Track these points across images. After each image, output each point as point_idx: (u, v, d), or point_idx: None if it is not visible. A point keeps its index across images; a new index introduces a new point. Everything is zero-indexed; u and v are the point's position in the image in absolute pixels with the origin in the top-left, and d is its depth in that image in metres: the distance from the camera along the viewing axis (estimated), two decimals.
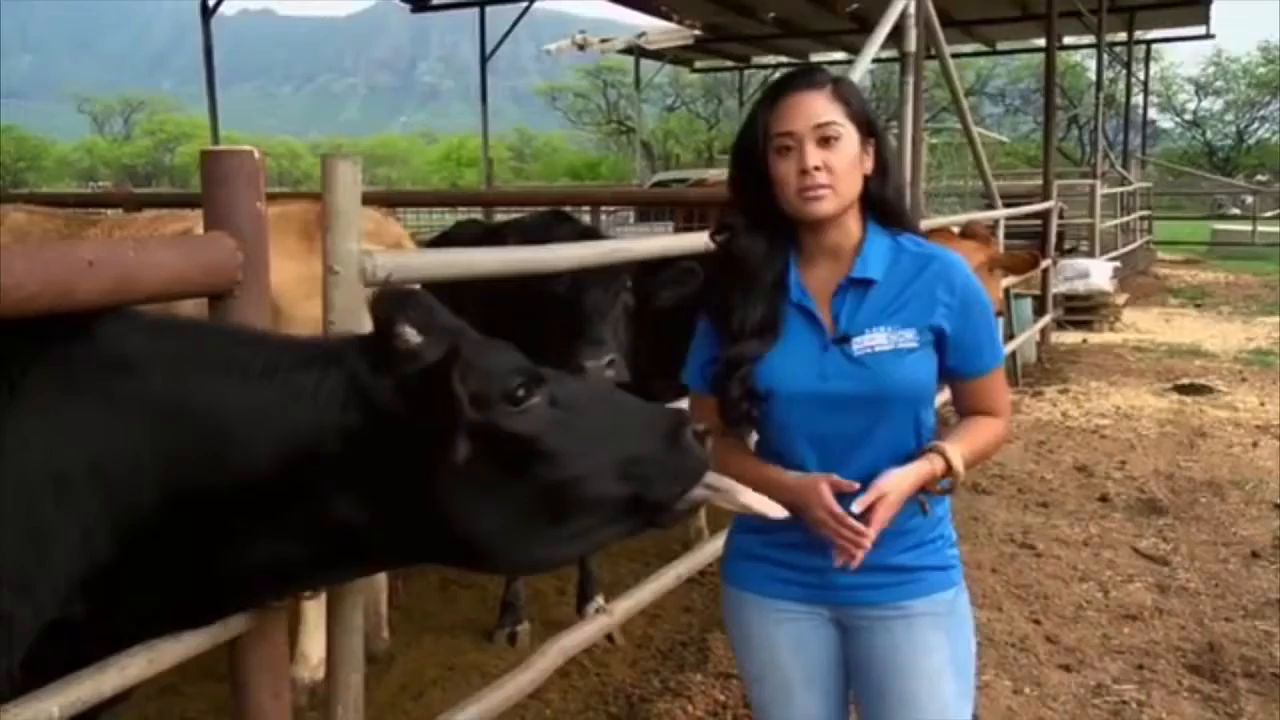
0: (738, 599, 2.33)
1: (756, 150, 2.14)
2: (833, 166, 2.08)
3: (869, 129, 2.15)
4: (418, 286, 1.95)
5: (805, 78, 2.16)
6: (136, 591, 1.73)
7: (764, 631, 2.28)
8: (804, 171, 2.07)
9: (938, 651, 2.18)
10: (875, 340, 2.11)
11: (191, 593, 1.79)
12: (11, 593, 1.58)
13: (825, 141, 2.08)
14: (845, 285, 2.16)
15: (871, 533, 2.03)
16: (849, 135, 2.10)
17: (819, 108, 2.09)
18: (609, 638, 4.27)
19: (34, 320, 1.61)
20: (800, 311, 2.17)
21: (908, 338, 2.12)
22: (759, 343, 2.15)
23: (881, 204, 2.19)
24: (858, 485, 2.06)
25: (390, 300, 1.80)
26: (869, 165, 2.15)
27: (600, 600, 4.34)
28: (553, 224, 4.55)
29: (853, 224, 2.18)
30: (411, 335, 1.73)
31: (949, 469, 2.11)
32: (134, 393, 1.67)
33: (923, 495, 2.14)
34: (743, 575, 2.32)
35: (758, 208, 2.18)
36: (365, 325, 1.96)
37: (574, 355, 3.69)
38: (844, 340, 2.13)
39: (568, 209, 6.72)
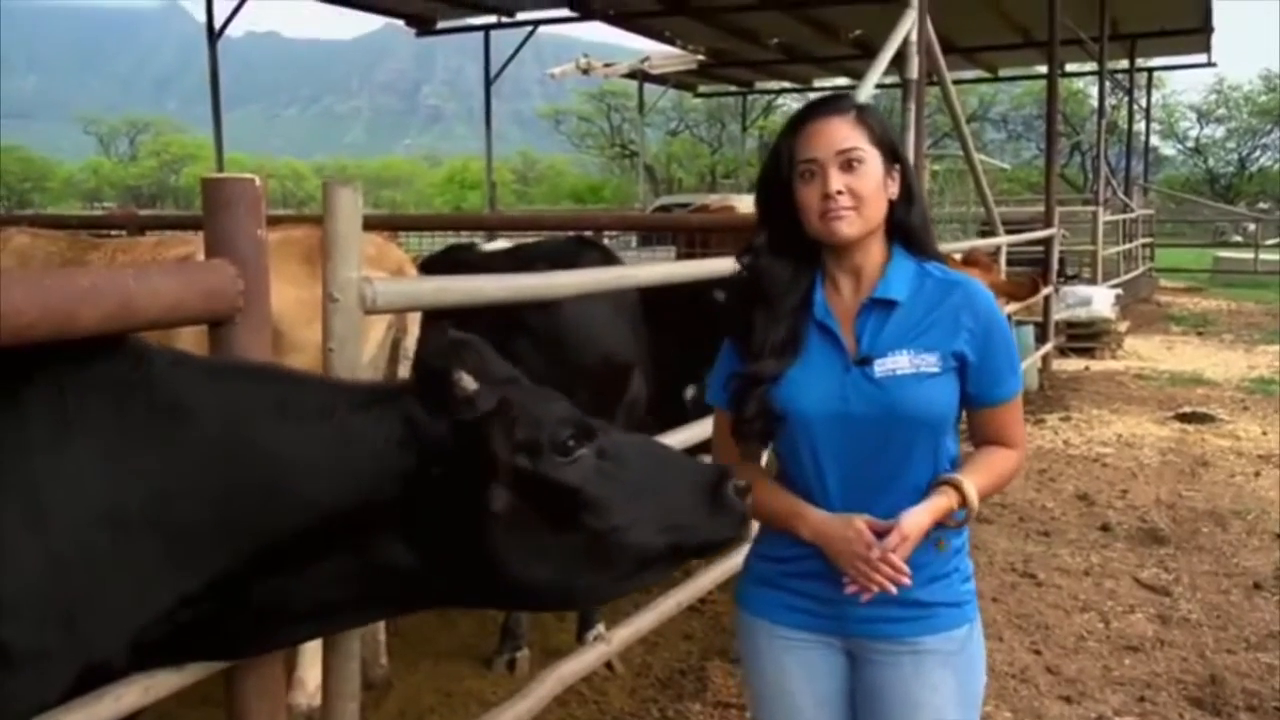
0: (751, 624, 2.32)
1: (781, 177, 2.17)
2: (856, 190, 2.10)
3: (893, 155, 2.17)
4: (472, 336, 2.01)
5: (829, 104, 2.19)
6: (184, 635, 1.74)
7: (775, 657, 2.28)
8: (826, 196, 2.09)
9: (942, 690, 2.17)
10: (898, 363, 2.12)
11: (238, 634, 1.81)
12: (57, 630, 1.58)
13: (848, 166, 2.10)
14: (869, 306, 2.17)
15: (907, 571, 2.03)
16: (872, 160, 2.12)
17: (842, 133, 2.11)
18: (608, 665, 4.24)
19: (86, 347, 1.65)
20: (823, 332, 2.18)
21: (930, 362, 2.12)
22: (777, 362, 2.16)
23: (907, 230, 2.21)
24: (894, 525, 2.04)
25: (449, 347, 1.87)
26: (894, 190, 2.17)
27: (601, 628, 4.32)
28: (579, 250, 4.53)
29: (877, 249, 2.19)
30: (468, 382, 1.77)
31: (964, 501, 2.10)
32: (193, 439, 1.69)
33: (938, 531, 2.12)
34: (757, 601, 2.31)
35: (783, 233, 2.20)
36: (364, 352, 1.97)
37: None
38: (865, 362, 2.13)
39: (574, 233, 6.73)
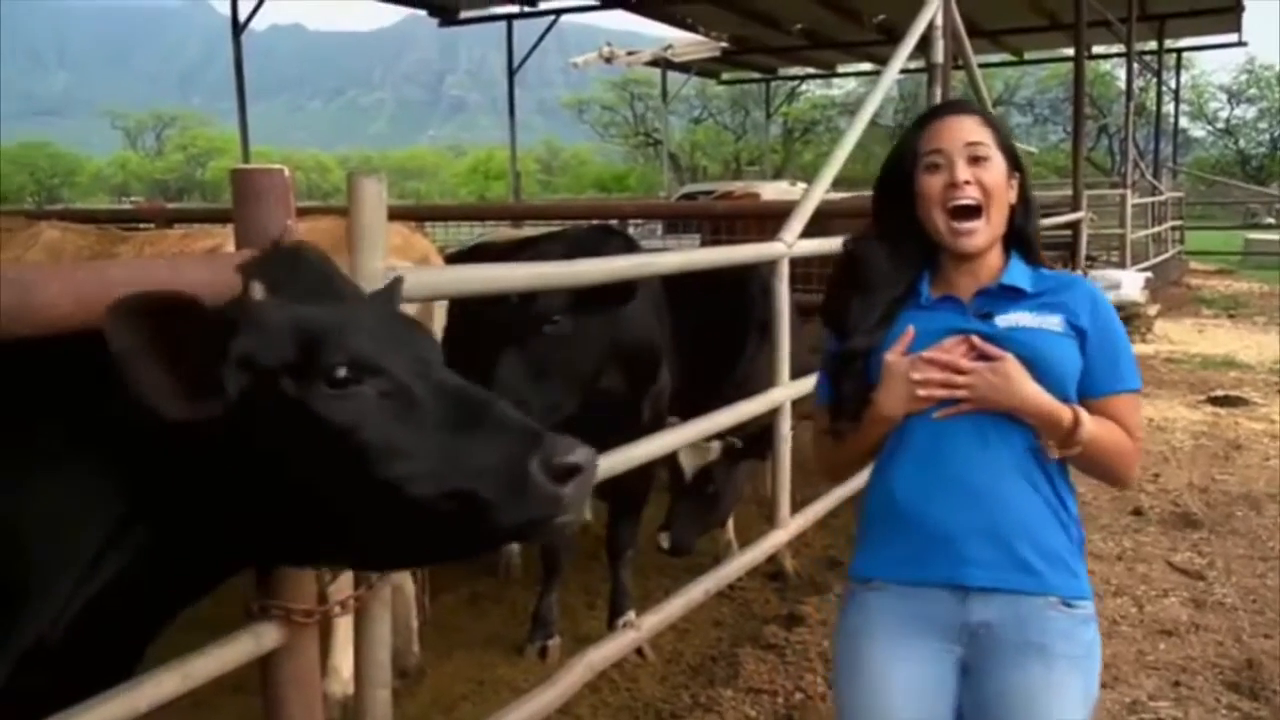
0: (856, 632, 2.21)
1: (903, 171, 2.19)
2: (984, 182, 2.12)
3: (1015, 161, 2.19)
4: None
5: (955, 104, 2.27)
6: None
7: (882, 670, 2.15)
8: (954, 185, 2.11)
9: (1071, 696, 2.08)
10: (1020, 318, 2.12)
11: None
12: None
13: (975, 160, 2.13)
14: (995, 290, 2.17)
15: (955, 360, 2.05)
16: (997, 159, 2.15)
17: (970, 128, 2.16)
18: (639, 652, 4.25)
19: None
20: (933, 305, 2.18)
21: (1053, 322, 2.12)
22: (870, 337, 2.16)
23: (1024, 238, 2.22)
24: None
25: (264, 250, 1.67)
26: (1013, 197, 2.19)
27: (631, 614, 4.33)
28: (603, 239, 4.52)
29: (995, 255, 2.21)
30: (256, 291, 1.58)
31: (1076, 428, 2.06)
32: None
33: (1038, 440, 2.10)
34: (867, 607, 2.20)
35: (896, 226, 2.22)
36: None
37: None
38: (986, 316, 2.13)
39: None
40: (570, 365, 3.79)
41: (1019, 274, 2.18)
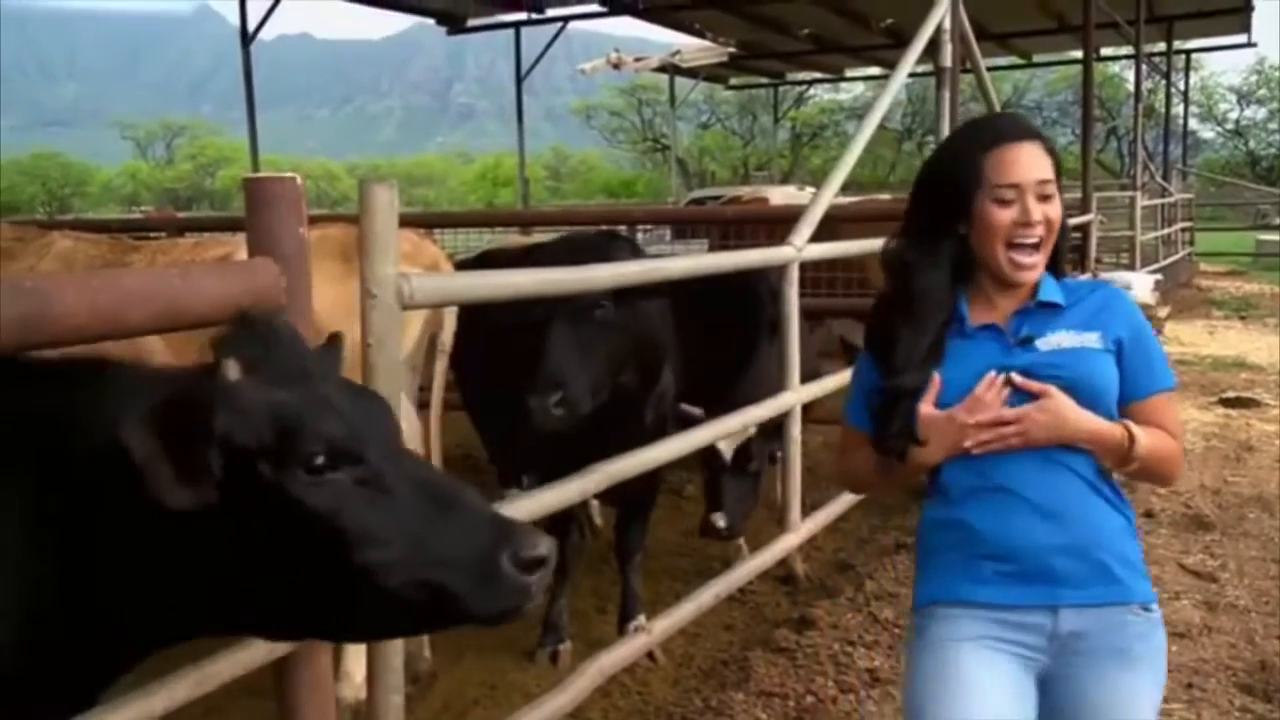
0: (943, 641, 2.16)
1: (959, 191, 2.15)
2: (1051, 221, 2.13)
3: (1059, 183, 2.20)
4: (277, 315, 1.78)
5: (1020, 127, 2.21)
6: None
7: (976, 677, 2.12)
8: (1026, 225, 2.11)
9: (1148, 697, 2.15)
10: (1061, 340, 2.13)
11: None
12: None
13: (1044, 197, 2.13)
14: (1032, 308, 2.17)
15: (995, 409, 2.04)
16: (1057, 193, 2.16)
17: (1040, 163, 2.14)
18: (650, 656, 4.26)
19: None
20: (974, 334, 2.17)
21: (1092, 339, 2.13)
22: (921, 374, 2.13)
23: (1058, 253, 2.23)
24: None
25: (234, 324, 1.64)
26: None
27: (641, 619, 4.33)
28: (606, 243, 4.54)
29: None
30: (231, 370, 1.55)
31: (1131, 445, 2.07)
32: None
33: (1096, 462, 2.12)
34: (954, 620, 2.16)
35: (940, 242, 2.19)
36: (403, 348, 1.96)
37: (527, 391, 3.67)
38: (1027, 341, 2.13)
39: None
40: (610, 352, 3.89)
41: (1052, 289, 2.18)
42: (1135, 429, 2.08)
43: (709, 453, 4.58)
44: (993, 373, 2.08)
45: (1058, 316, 2.16)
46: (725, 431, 4.16)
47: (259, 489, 1.52)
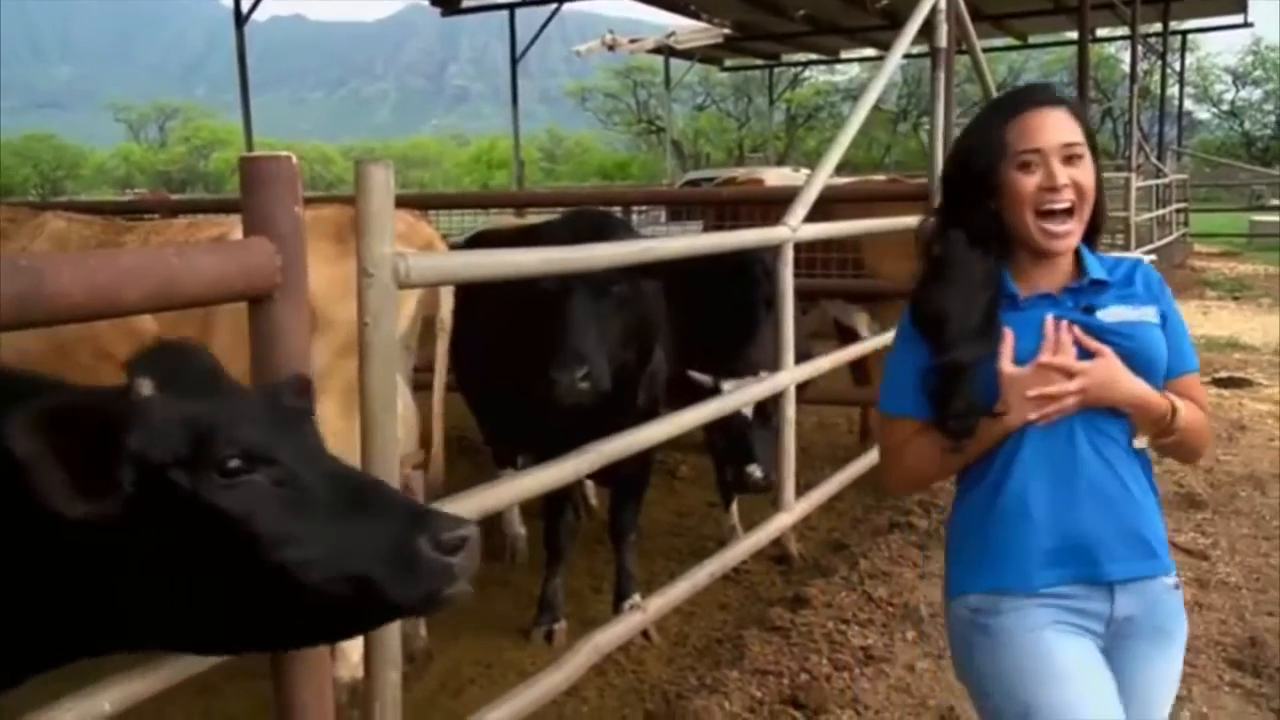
0: (1029, 629, 2.11)
1: (985, 162, 2.12)
2: (1080, 184, 2.08)
3: (1095, 151, 2.16)
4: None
5: (1042, 93, 2.17)
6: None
7: (1080, 663, 2.10)
8: (1052, 189, 2.06)
9: (1178, 671, 2.22)
10: (1122, 313, 2.12)
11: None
12: None
13: (1070, 160, 2.08)
14: (1086, 285, 2.15)
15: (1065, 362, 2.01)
16: (1088, 157, 2.11)
17: (1065, 126, 2.09)
18: (645, 635, 4.29)
19: None
20: (1028, 306, 2.13)
21: (1149, 314, 2.13)
22: (979, 344, 2.07)
23: (1095, 225, 2.20)
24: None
25: (149, 350, 1.66)
26: None
27: (637, 597, 4.36)
28: (611, 222, 4.55)
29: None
30: (144, 388, 1.57)
31: (1174, 417, 2.08)
32: None
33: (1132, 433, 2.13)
34: (1026, 611, 2.12)
35: (977, 219, 2.15)
36: (398, 326, 1.97)
37: (549, 367, 3.68)
38: (1089, 310, 2.11)
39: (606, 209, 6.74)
40: (622, 328, 3.93)
41: (1095, 265, 2.17)
42: (1178, 401, 2.10)
43: (726, 420, 4.57)
44: (1051, 317, 2.04)
45: (1106, 291, 2.15)
46: (716, 413, 4.17)
47: (176, 498, 1.54)
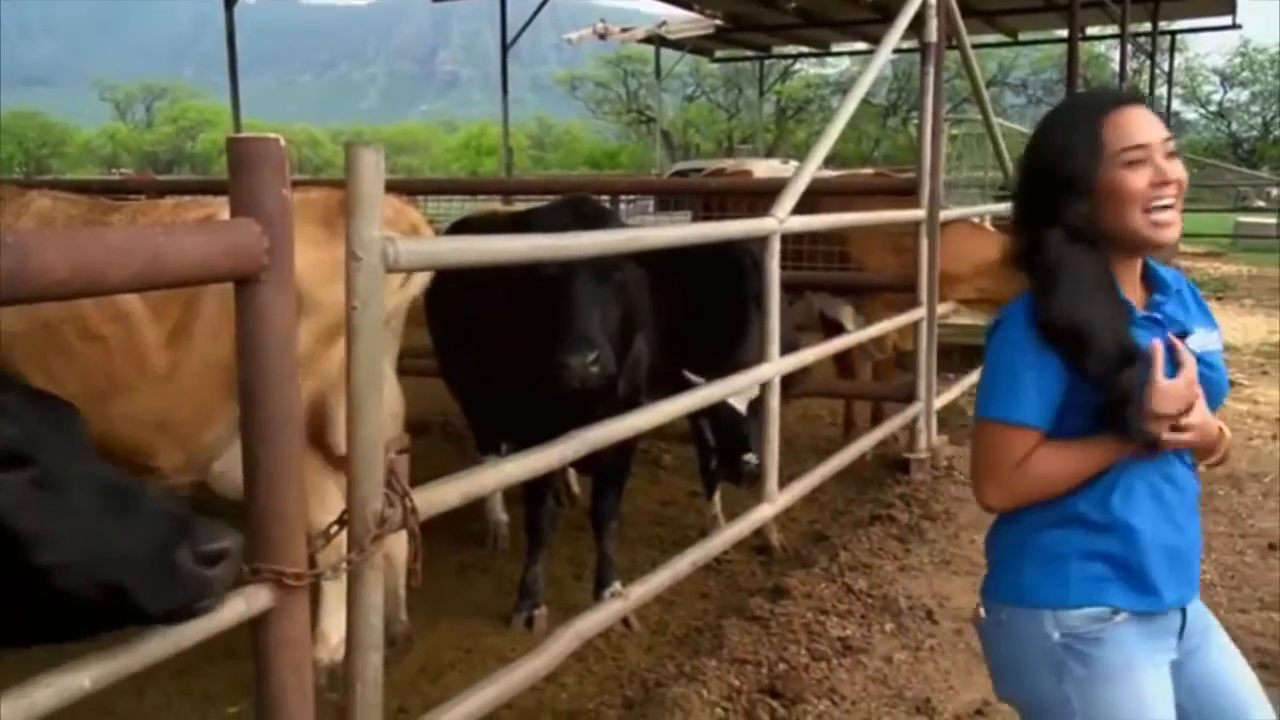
0: (1120, 672, 2.07)
1: (1081, 165, 2.04)
2: (1182, 181, 2.05)
3: None
4: None
5: (1128, 95, 2.15)
6: None
7: (1160, 696, 2.09)
8: (1163, 183, 2.01)
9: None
10: (1207, 341, 2.11)
11: None
12: None
13: (1170, 155, 2.05)
14: (1176, 293, 2.16)
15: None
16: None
17: (1159, 122, 2.07)
18: (625, 623, 4.30)
19: None
20: (1140, 324, 2.08)
21: (1215, 339, 2.15)
22: (1140, 362, 1.98)
23: None
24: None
25: None
26: None
27: (617, 585, 4.37)
28: (606, 210, 4.55)
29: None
30: None
31: (1225, 445, 2.13)
32: None
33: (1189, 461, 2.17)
34: (1122, 641, 2.08)
35: (1069, 222, 2.06)
36: (385, 310, 1.97)
37: (557, 351, 3.68)
38: (1183, 336, 2.08)
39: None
40: (620, 313, 3.94)
41: (1159, 272, 2.18)
42: (1224, 426, 2.12)
43: (720, 406, 4.58)
44: (1158, 341, 2.00)
45: (1182, 305, 2.16)
46: (701, 403, 4.18)
47: None
